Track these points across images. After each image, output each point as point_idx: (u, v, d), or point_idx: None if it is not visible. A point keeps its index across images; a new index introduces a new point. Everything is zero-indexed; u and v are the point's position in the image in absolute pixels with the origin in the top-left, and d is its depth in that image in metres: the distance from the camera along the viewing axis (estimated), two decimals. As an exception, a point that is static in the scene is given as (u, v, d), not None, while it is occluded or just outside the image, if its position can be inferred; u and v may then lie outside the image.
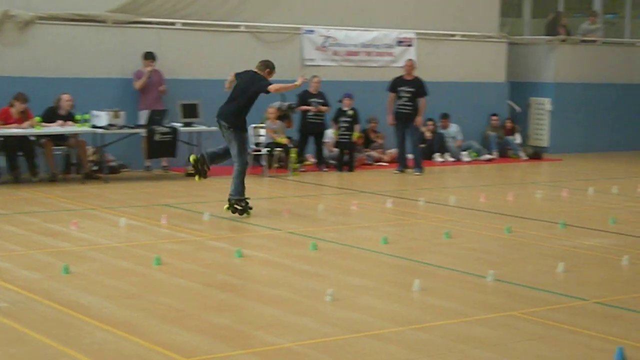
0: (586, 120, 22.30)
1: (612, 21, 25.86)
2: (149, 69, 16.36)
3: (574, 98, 22.06)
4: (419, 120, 17.21)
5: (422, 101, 17.15)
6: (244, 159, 11.98)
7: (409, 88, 17.06)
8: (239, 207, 11.92)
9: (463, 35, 20.65)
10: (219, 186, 14.97)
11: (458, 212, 12.89)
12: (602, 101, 22.49)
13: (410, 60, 17.79)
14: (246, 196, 12.00)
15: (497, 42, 21.18)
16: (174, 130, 15.67)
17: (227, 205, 11.98)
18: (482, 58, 20.89)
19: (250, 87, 11.89)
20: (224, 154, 12.25)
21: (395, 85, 17.26)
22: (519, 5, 24.43)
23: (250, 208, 12.01)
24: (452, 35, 20.57)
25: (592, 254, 10.05)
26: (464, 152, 19.76)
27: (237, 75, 12.25)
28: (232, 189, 11.94)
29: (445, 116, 19.85)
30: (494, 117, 20.62)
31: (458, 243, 10.58)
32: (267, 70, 12.05)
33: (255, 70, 12.09)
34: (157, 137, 15.46)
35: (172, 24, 17.37)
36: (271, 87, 11.77)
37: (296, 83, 12.14)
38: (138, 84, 16.33)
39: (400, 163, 17.39)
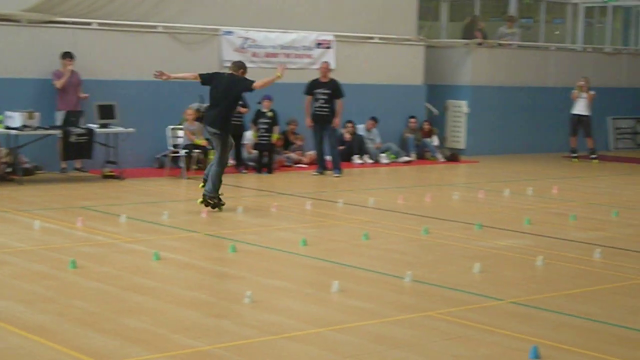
0: (502, 122, 22.66)
1: (527, 25, 26.35)
2: (69, 67, 16.09)
3: (490, 101, 22.40)
4: (336, 121, 17.28)
5: (339, 103, 17.24)
6: (225, 161, 12.59)
7: (325, 90, 17.13)
8: (211, 202, 12.49)
9: (381, 38, 20.80)
10: (135, 188, 14.82)
11: (377, 213, 12.97)
12: (517, 104, 22.88)
13: (325, 62, 17.84)
14: (220, 193, 12.56)
15: (415, 45, 21.39)
16: (90, 132, 15.44)
17: (200, 199, 12.53)
18: (401, 61, 21.07)
19: (232, 89, 12.32)
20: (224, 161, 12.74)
21: (312, 87, 17.32)
22: (436, 9, 24.72)
23: (223, 204, 12.59)
24: (371, 38, 20.70)
25: (507, 255, 10.21)
26: (382, 154, 19.89)
27: (208, 77, 12.58)
28: (208, 186, 12.45)
29: (373, 118, 19.97)
30: (412, 120, 20.81)
31: (376, 244, 10.64)
32: (241, 70, 12.53)
33: (231, 72, 12.48)
34: (72, 139, 15.20)
35: (89, 24, 17.10)
36: (255, 85, 12.31)
37: (277, 74, 12.42)
38: (59, 83, 16.03)
39: (319, 165, 17.43)
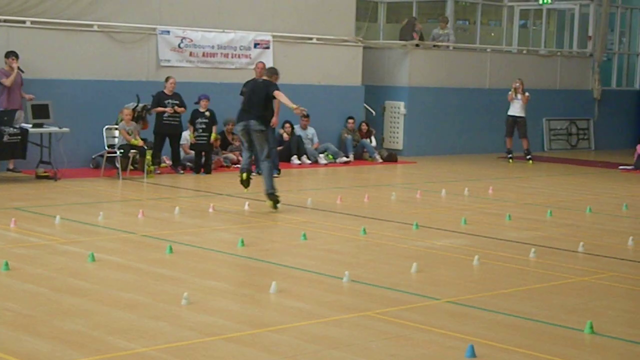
0: (439, 123, 22.83)
1: (463, 27, 26.61)
2: (14, 65, 15.83)
3: (428, 102, 22.56)
4: (274, 121, 17.22)
5: (276, 103, 17.17)
6: (270, 156, 13.22)
7: None
8: (278, 197, 12.99)
9: (319, 39, 20.81)
10: (70, 189, 14.62)
11: (315, 214, 12.97)
12: (454, 105, 23.07)
13: (260, 62, 17.77)
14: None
15: (353, 46, 21.45)
16: (24, 131, 15.19)
17: (270, 202, 12.95)
18: (339, 61, 21.11)
19: (268, 92, 13.12)
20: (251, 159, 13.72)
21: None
22: (374, 10, 24.83)
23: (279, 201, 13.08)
24: (309, 39, 20.71)
25: (444, 254, 10.28)
26: (321, 155, 19.91)
27: (247, 85, 13.75)
28: (268, 184, 12.93)
29: (306, 116, 19.96)
30: (350, 120, 20.86)
31: (315, 245, 10.64)
32: (275, 76, 13.38)
33: (265, 77, 13.40)
34: (5, 138, 14.93)
35: (23, 22, 16.82)
36: (276, 92, 13.10)
37: (293, 106, 13.11)
38: (8, 81, 15.72)
39: (258, 165, 17.34)
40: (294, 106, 13.06)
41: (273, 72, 13.54)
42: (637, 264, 10.10)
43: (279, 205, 12.99)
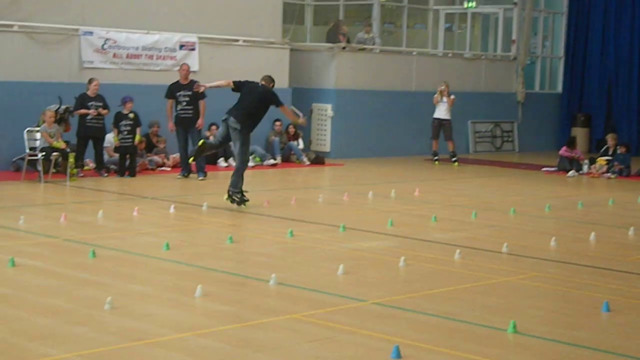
0: (366, 126, 22.92)
1: (389, 30, 26.77)
2: None
3: (355, 104, 22.63)
4: (200, 122, 17.13)
5: (202, 104, 17.12)
6: (245, 158, 13.59)
7: (187, 92, 16.97)
8: (236, 199, 13.44)
9: (246, 41, 20.73)
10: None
11: (242, 216, 12.90)
12: (381, 108, 23.17)
13: (185, 64, 17.65)
14: (244, 189, 13.55)
15: (280, 49, 21.41)
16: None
17: (226, 196, 13.48)
18: (266, 64, 21.01)
19: (265, 100, 13.61)
20: (217, 146, 14.48)
21: (173, 90, 17.15)
22: (301, 12, 24.83)
23: (247, 200, 13.51)
24: (236, 41, 20.61)
25: (371, 256, 10.31)
26: (247, 157, 19.81)
27: (242, 84, 13.76)
28: (231, 182, 13.47)
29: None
30: (277, 123, 20.82)
31: (241, 248, 10.58)
32: (272, 84, 13.92)
33: (263, 83, 13.82)
34: None
35: (-61, 21, 16.45)
36: (282, 108, 13.92)
37: (299, 120, 14.59)
38: None
39: (184, 168, 17.23)
40: (301, 120, 14.38)
41: (270, 79, 13.97)
42: (560, 264, 10.25)
43: (244, 205, 13.44)
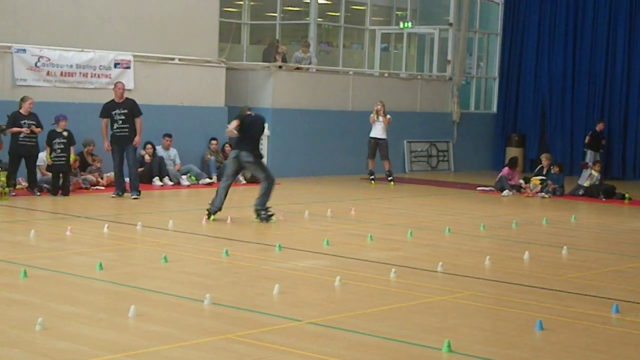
0: (303, 145, 22.93)
1: (326, 50, 26.87)
2: None
3: (292, 124, 22.64)
4: (137, 140, 16.97)
5: (138, 121, 16.96)
6: (273, 177, 14.52)
7: (123, 110, 16.82)
8: (264, 216, 14.28)
9: (182, 59, 20.63)
10: None
11: (177, 236, 12.79)
12: (318, 127, 23.21)
13: (120, 82, 17.49)
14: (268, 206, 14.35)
15: (216, 67, 21.34)
16: None
17: (254, 216, 14.37)
18: (201, 82, 20.97)
19: (262, 129, 14.78)
20: (229, 186, 14.73)
21: (108, 110, 16.95)
22: (237, 31, 24.80)
23: (272, 214, 14.38)
24: (171, 59, 20.50)
25: (307, 276, 10.28)
26: (183, 176, 19.69)
27: (242, 118, 14.39)
28: (260, 201, 14.34)
29: (168, 135, 19.74)
30: (214, 142, 20.74)
31: (176, 267, 10.47)
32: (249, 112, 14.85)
33: (249, 112, 14.76)
34: None
35: None
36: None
37: None
38: None
39: (118, 187, 17.04)
40: None
41: (248, 108, 15.31)
42: (494, 282, 10.34)
43: (272, 219, 14.29)
